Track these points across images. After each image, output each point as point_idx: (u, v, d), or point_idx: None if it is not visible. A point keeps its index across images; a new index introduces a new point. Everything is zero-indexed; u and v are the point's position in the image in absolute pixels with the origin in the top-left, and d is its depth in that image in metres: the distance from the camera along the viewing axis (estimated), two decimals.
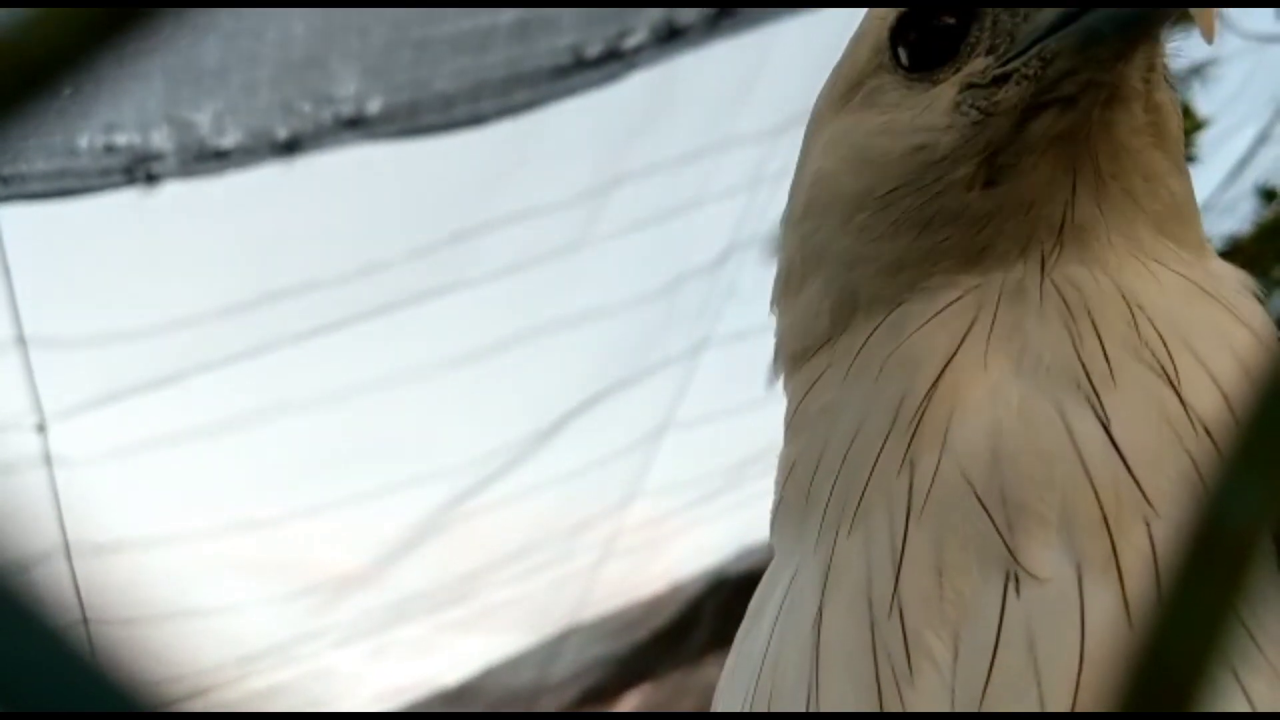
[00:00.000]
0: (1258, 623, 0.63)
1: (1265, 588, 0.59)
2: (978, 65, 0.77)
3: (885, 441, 0.72)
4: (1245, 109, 3.83)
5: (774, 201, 0.92)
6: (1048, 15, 0.74)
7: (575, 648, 5.13)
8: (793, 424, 0.81)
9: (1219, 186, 3.74)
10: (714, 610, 5.07)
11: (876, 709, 0.67)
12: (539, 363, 4.28)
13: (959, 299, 0.75)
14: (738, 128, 3.78)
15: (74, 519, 3.44)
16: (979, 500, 0.68)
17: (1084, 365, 0.71)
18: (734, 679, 0.79)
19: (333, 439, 4.33)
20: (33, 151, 2.95)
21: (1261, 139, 3.85)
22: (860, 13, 0.85)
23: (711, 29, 3.55)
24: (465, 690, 5.01)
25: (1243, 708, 0.62)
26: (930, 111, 0.77)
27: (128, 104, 3.10)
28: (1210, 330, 0.73)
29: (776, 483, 0.81)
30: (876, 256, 0.78)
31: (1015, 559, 0.67)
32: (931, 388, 0.72)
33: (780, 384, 0.85)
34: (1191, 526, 0.24)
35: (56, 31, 0.23)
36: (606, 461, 4.51)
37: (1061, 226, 0.75)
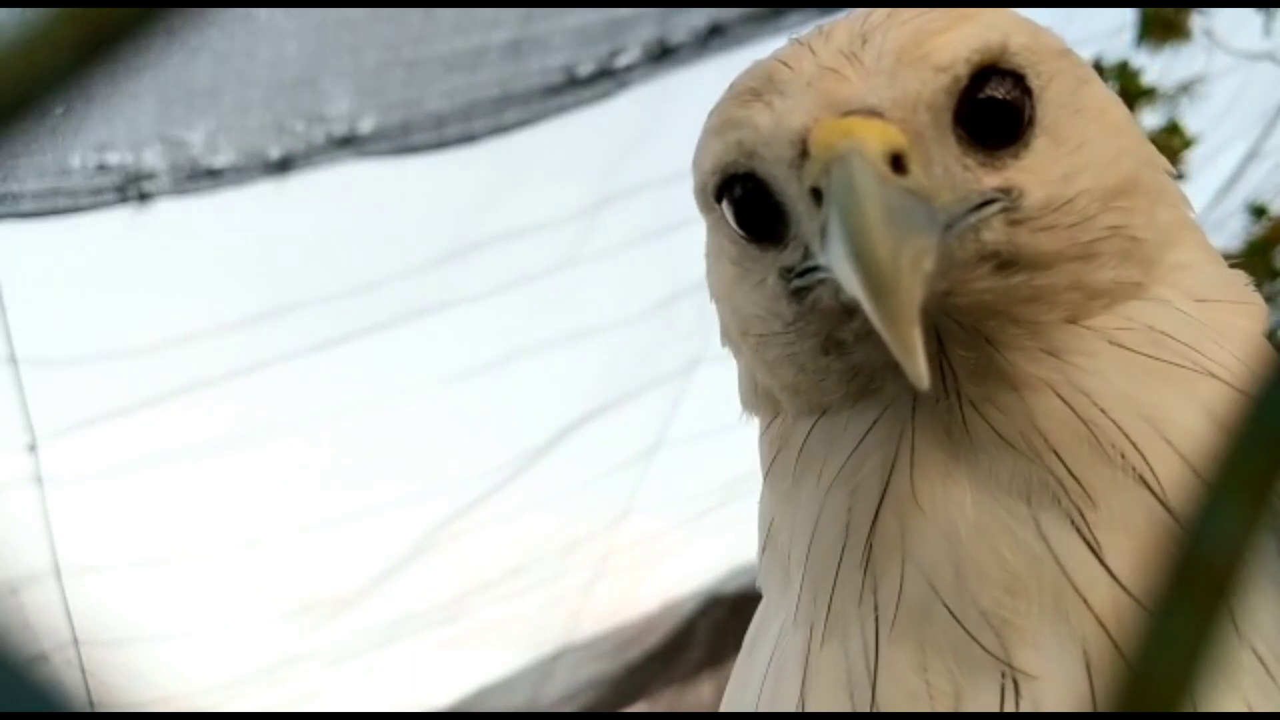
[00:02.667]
0: (1258, 632, 0.63)
1: (1266, 600, 0.58)
2: (789, 259, 0.69)
3: (842, 555, 0.70)
4: (1234, 126, 3.86)
5: None
6: (823, 252, 0.65)
7: (568, 667, 5.11)
8: (767, 481, 0.78)
9: (1208, 203, 3.76)
10: (707, 629, 5.06)
11: None
12: (531, 381, 4.28)
13: (878, 419, 0.70)
14: None
15: (65, 539, 3.42)
16: (947, 608, 0.66)
17: (1058, 482, 0.66)
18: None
19: (324, 458, 4.31)
20: (25, 170, 2.95)
21: (1250, 155, 3.87)
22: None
23: (703, 48, 3.57)
24: (458, 710, 4.99)
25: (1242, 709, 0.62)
26: (762, 289, 0.71)
27: (120, 123, 3.10)
28: (1176, 402, 0.67)
29: (759, 530, 0.79)
30: (774, 376, 0.74)
31: (1008, 662, 0.65)
32: (878, 508, 0.69)
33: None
34: (1172, 555, 0.24)
35: (49, 51, 0.23)
36: (599, 479, 4.50)
37: (942, 366, 0.68)
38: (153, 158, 3.34)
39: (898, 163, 0.62)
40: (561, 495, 4.49)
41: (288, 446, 4.09)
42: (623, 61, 3.57)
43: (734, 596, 4.78)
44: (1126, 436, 0.66)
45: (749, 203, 0.71)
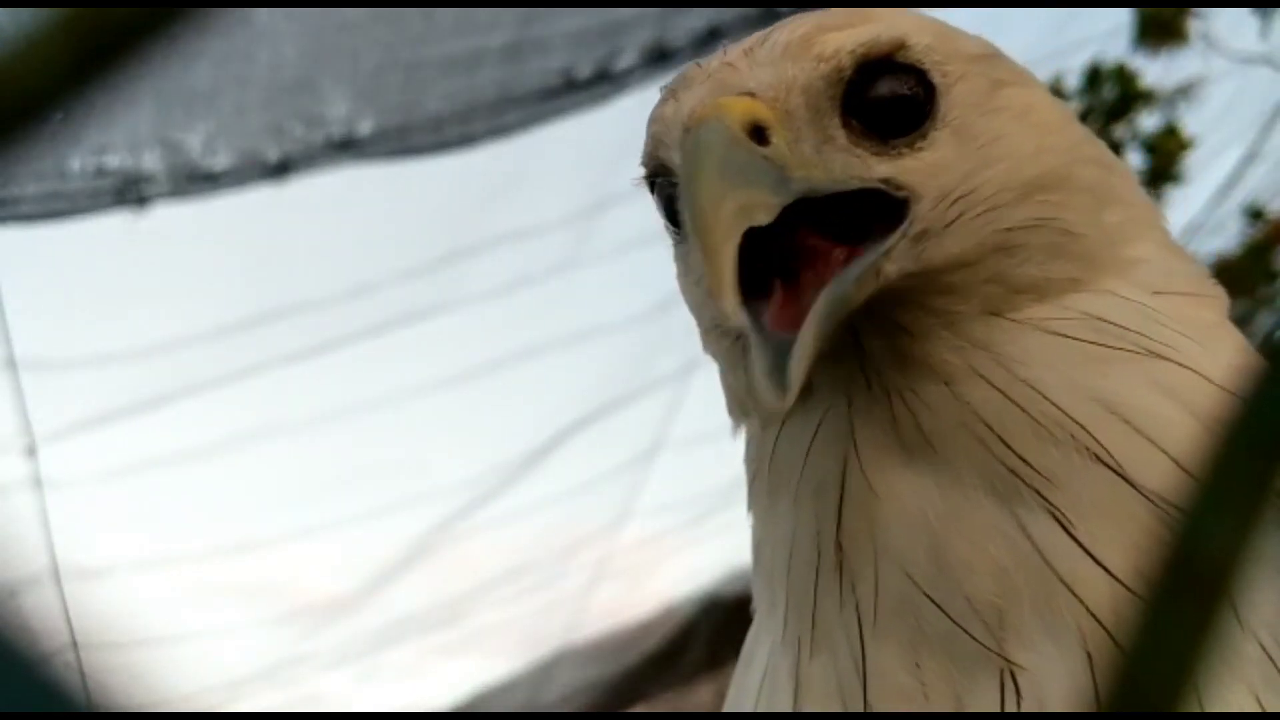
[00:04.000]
0: (1263, 624, 0.63)
1: (1269, 592, 0.57)
2: None
3: (819, 562, 0.70)
4: (1232, 129, 3.86)
5: None
6: None
7: (567, 670, 5.11)
8: (750, 502, 0.79)
9: (1206, 205, 3.76)
10: (707, 632, 5.05)
11: None
12: (530, 383, 4.28)
13: (822, 420, 0.70)
14: None
15: (63, 542, 3.42)
16: (930, 599, 0.66)
17: (1010, 471, 0.66)
18: None
19: (323, 461, 4.32)
20: (24, 174, 2.95)
21: (1248, 158, 3.88)
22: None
23: (701, 50, 3.57)
24: (456, 714, 4.98)
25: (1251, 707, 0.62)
26: (688, 279, 0.75)
27: (118, 126, 3.10)
28: (1125, 384, 0.67)
29: (752, 550, 0.79)
30: (734, 377, 0.75)
31: (1002, 655, 0.65)
32: (838, 511, 0.69)
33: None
34: (1167, 553, 0.24)
35: (48, 54, 0.23)
36: (598, 483, 4.50)
37: (864, 363, 0.68)
38: (151, 161, 3.34)
39: (761, 134, 0.66)
40: (560, 498, 4.49)
41: (286, 449, 4.09)
42: (621, 64, 3.57)
43: (733, 599, 4.78)
44: (1072, 419, 0.66)
45: (670, 196, 0.74)
